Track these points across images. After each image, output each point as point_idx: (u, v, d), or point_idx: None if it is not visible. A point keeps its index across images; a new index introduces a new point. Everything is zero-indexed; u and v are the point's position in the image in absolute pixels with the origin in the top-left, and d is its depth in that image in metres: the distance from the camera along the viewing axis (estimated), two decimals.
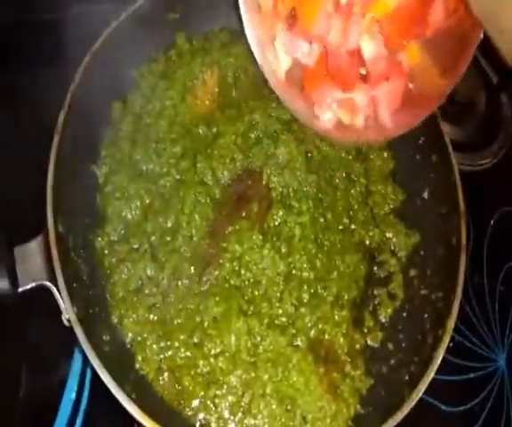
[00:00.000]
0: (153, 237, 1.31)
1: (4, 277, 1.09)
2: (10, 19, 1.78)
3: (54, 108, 1.25)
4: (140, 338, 1.22)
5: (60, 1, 1.77)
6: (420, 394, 1.13)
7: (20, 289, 1.10)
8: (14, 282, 1.10)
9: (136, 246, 1.30)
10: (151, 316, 1.25)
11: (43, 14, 1.82)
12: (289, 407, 1.21)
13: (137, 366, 1.20)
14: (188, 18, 1.58)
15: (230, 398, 1.20)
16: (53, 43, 1.66)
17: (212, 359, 1.22)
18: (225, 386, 1.21)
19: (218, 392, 1.20)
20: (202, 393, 1.20)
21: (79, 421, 1.32)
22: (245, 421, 1.20)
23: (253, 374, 1.22)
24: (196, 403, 1.20)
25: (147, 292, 1.26)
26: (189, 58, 1.56)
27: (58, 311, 1.10)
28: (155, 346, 1.22)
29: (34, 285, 1.11)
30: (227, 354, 1.22)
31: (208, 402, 1.20)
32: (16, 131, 1.51)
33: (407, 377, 1.22)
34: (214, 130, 1.47)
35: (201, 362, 1.22)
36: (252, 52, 1.56)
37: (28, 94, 1.52)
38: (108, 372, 1.03)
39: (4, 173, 1.42)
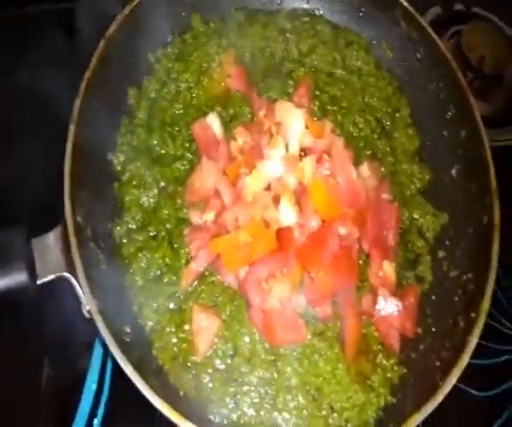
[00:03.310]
0: (168, 225, 1.30)
1: (22, 270, 1.07)
2: (25, 8, 1.77)
3: (69, 96, 1.22)
4: (158, 327, 1.20)
5: None
6: (454, 381, 1.08)
7: (38, 282, 1.08)
8: (33, 274, 1.08)
9: (154, 234, 1.28)
10: (171, 305, 1.22)
11: (58, 3, 1.80)
12: (316, 397, 1.18)
13: (153, 352, 1.18)
14: None
15: (253, 395, 1.18)
16: (68, 30, 1.65)
17: (228, 360, 1.20)
18: (245, 386, 1.18)
19: (239, 389, 1.17)
20: (221, 391, 1.17)
21: (101, 411, 1.31)
22: (270, 416, 1.16)
23: (275, 372, 1.19)
24: (215, 400, 1.17)
25: (166, 280, 1.24)
26: (205, 40, 1.53)
27: (77, 303, 1.08)
28: (172, 335, 1.20)
29: (53, 276, 1.09)
30: (242, 355, 1.20)
31: (228, 399, 1.17)
32: (31, 120, 1.49)
33: (438, 363, 1.17)
34: (231, 111, 1.44)
35: (217, 361, 1.20)
36: (268, 32, 1.54)
37: (42, 82, 1.50)
38: (131, 363, 1.01)
39: (21, 165, 1.41)
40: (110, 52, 1.31)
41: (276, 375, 1.18)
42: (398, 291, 1.29)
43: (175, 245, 1.27)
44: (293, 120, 1.29)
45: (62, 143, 1.16)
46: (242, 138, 1.33)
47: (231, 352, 1.20)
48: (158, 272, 1.24)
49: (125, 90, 1.42)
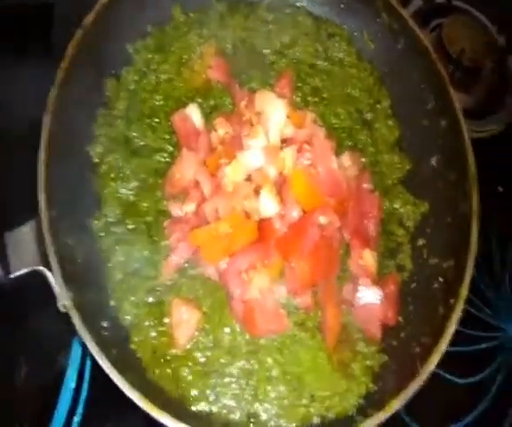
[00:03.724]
0: (148, 217, 1.28)
1: None
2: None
3: (45, 87, 1.19)
4: (137, 321, 1.18)
5: None
6: (433, 366, 1.09)
7: (11, 275, 1.06)
8: (6, 268, 1.06)
9: (133, 227, 1.26)
10: (150, 299, 1.21)
11: None
12: (296, 387, 1.18)
13: (132, 347, 1.16)
14: None
15: (234, 386, 1.17)
16: (45, 18, 1.61)
17: (208, 352, 1.19)
18: (226, 377, 1.17)
19: (219, 381, 1.16)
20: (201, 383, 1.16)
21: (80, 410, 1.29)
22: (251, 407, 1.16)
23: (256, 363, 1.18)
24: (195, 393, 1.15)
25: (145, 274, 1.22)
26: (186, 30, 1.51)
27: (55, 298, 1.06)
28: (151, 329, 1.19)
29: (27, 270, 1.07)
30: (223, 347, 1.19)
31: (208, 392, 1.16)
32: (8, 110, 1.46)
33: (418, 349, 1.18)
34: (211, 102, 1.42)
35: (197, 354, 1.18)
36: (250, 23, 1.53)
37: (17, 72, 1.46)
38: (108, 358, 1.00)
39: None
40: (87, 41, 1.28)
41: (256, 366, 1.18)
42: (379, 280, 1.29)
43: (155, 238, 1.26)
44: (274, 110, 1.27)
45: (37, 133, 1.13)
46: (222, 129, 1.32)
47: (211, 344, 1.19)
48: (137, 266, 1.23)
49: (103, 81, 1.39)
